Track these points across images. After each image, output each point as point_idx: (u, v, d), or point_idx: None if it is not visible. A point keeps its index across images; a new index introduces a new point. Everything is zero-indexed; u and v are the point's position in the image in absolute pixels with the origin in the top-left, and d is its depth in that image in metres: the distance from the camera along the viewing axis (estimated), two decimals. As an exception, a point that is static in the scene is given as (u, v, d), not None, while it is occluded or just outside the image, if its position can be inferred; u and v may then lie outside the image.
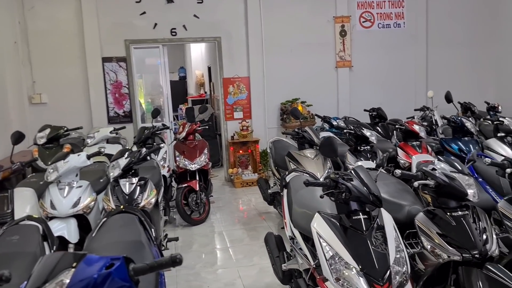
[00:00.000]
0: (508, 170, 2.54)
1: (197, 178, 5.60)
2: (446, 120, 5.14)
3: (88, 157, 3.60)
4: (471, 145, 4.78)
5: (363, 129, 4.51)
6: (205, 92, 10.66)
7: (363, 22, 7.91)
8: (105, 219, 2.60)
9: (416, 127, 4.67)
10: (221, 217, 5.93)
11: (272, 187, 5.40)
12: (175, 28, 7.12)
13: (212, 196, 6.37)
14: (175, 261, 1.33)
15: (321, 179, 4.34)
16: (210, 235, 5.28)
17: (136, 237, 2.37)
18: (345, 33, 7.77)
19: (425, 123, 6.69)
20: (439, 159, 2.52)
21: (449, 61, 8.26)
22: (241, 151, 7.50)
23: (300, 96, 7.67)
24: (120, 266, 1.30)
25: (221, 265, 4.48)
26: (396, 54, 8.08)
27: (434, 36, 8.18)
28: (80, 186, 3.52)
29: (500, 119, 5.00)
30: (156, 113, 6.01)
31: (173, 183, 6.05)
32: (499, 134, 4.95)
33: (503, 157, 4.69)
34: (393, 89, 8.09)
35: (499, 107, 6.94)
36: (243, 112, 7.58)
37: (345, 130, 4.75)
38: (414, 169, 3.86)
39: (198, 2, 7.16)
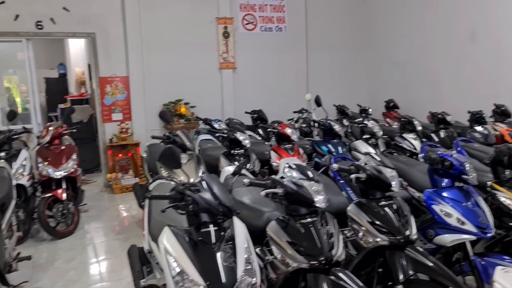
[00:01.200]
0: (352, 176, 2.63)
1: (64, 187, 5.11)
2: (316, 123, 5.33)
3: None
4: (339, 147, 5.02)
5: (236, 133, 4.46)
6: (86, 91, 9.93)
7: (246, 24, 7.96)
8: None
9: (288, 131, 4.76)
10: (94, 227, 5.51)
11: (148, 193, 5.13)
12: (41, 21, 6.45)
13: (85, 204, 5.90)
14: None
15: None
16: (78, 249, 4.84)
17: None
18: (228, 35, 7.74)
19: (304, 125, 6.93)
20: (290, 167, 2.52)
21: (327, 65, 8.69)
22: (120, 155, 7.07)
23: (183, 97, 7.48)
24: None
25: (85, 282, 4.10)
26: (279, 57, 8.28)
27: (313, 41, 8.54)
28: None
29: (365, 122, 5.32)
30: (12, 115, 5.36)
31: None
32: (364, 136, 5.27)
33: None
34: (276, 91, 8.27)
35: (370, 110, 7.46)
36: (122, 113, 7.16)
37: (217, 134, 4.67)
38: (281, 173, 3.89)
39: (68, -6, 6.59)
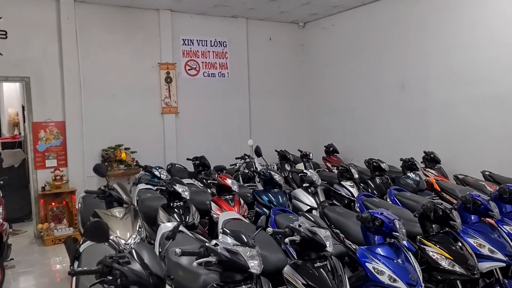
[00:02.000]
0: (286, 240, 2.64)
1: (-13, 243, 4.73)
2: (256, 174, 5.37)
3: None
4: (279, 196, 5.06)
5: (175, 185, 4.38)
6: (20, 133, 9.44)
7: (188, 70, 8.02)
8: None
9: (229, 181, 4.74)
10: (22, 286, 5.10)
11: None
12: (-30, 64, 6.16)
13: (12, 259, 5.48)
14: None
15: (130, 240, 4.05)
16: (0, 312, 4.45)
17: None
18: (170, 80, 7.75)
19: (247, 170, 6.96)
20: (224, 232, 2.49)
21: (270, 111, 8.88)
22: (54, 203, 6.70)
23: (123, 142, 7.31)
24: None
25: None
26: (222, 102, 8.36)
27: (256, 87, 8.74)
28: None
29: (304, 171, 5.43)
30: None
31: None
32: (304, 185, 5.37)
33: (308, 207, 5.09)
34: (219, 136, 8.30)
35: (311, 154, 7.65)
36: (57, 160, 6.84)
37: (155, 187, 4.56)
38: (220, 228, 3.85)
39: (1, 37, 6.33)
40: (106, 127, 7.23)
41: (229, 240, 2.44)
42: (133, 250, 2.28)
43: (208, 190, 5.73)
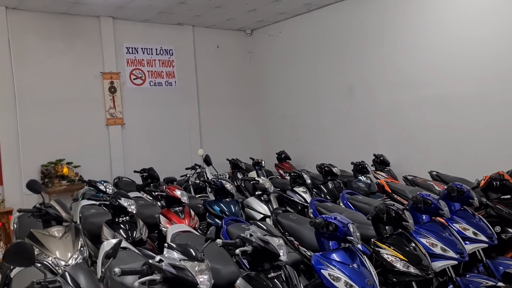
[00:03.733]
0: (237, 251, 2.49)
1: None
2: (207, 184, 5.20)
3: None
4: (232, 206, 4.89)
5: (120, 199, 4.11)
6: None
7: (134, 79, 7.73)
8: None
9: (178, 193, 4.53)
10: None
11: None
12: None
13: None
14: None
15: (71, 261, 3.75)
16: None
17: None
18: (115, 90, 7.42)
19: (198, 181, 6.75)
20: (170, 246, 2.30)
21: (220, 119, 8.74)
22: (-12, 226, 6.18)
23: (65, 157, 6.91)
24: None
25: None
26: (170, 111, 8.12)
27: (205, 95, 8.57)
28: None
29: (256, 178, 5.31)
30: None
31: None
32: (257, 193, 5.25)
33: (261, 215, 4.97)
34: (169, 146, 8.05)
35: (263, 162, 7.55)
36: (-10, 178, 6.34)
37: (98, 203, 4.27)
38: (169, 241, 3.65)
39: None
40: (45, 141, 6.81)
41: (176, 255, 2.25)
42: (67, 273, 2.05)
43: (158, 203, 5.47)
